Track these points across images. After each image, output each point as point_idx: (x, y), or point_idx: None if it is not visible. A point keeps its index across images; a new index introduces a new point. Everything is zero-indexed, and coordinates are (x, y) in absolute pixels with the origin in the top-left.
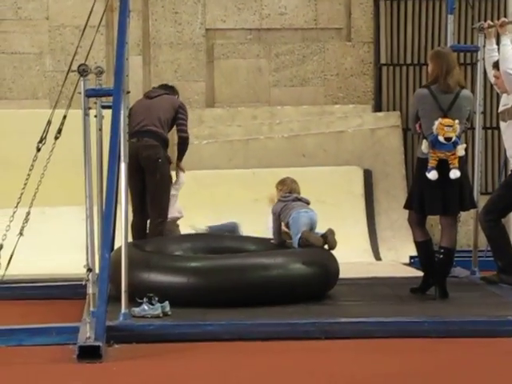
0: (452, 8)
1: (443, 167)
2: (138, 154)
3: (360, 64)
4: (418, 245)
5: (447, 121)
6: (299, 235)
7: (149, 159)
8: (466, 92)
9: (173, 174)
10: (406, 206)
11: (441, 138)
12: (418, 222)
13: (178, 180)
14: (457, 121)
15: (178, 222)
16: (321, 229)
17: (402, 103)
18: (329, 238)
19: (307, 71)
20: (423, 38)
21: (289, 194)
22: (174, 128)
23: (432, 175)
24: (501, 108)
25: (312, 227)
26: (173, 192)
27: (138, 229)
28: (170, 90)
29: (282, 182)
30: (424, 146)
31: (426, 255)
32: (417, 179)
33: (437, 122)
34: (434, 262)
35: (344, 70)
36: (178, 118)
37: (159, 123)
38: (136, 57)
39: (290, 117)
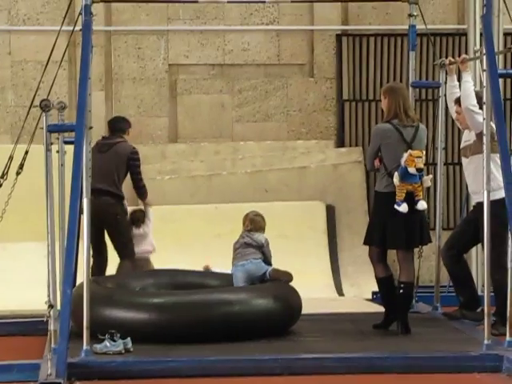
0: (414, 45)
1: (407, 200)
2: (98, 211)
3: (323, 100)
4: (378, 281)
5: (416, 152)
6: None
7: (109, 216)
8: (422, 125)
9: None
10: (365, 242)
11: (412, 170)
12: (378, 258)
13: (148, 216)
14: (424, 152)
15: (151, 256)
16: (282, 263)
17: (364, 139)
18: (280, 278)
19: (270, 107)
20: (385, 74)
21: (242, 238)
22: None
23: (403, 208)
24: (463, 144)
25: (250, 278)
26: (144, 229)
27: (97, 272)
28: (121, 127)
29: (245, 217)
30: (396, 179)
31: (387, 291)
32: (377, 213)
33: (406, 154)
34: (395, 297)
35: (307, 106)
36: (132, 171)
37: (114, 184)
38: (98, 92)
39: (253, 152)
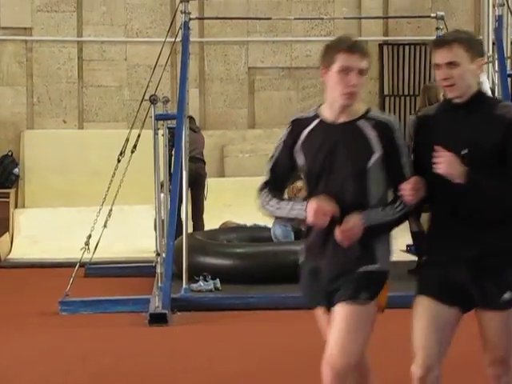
0: None
1: None
2: (193, 173)
3: (368, 95)
4: (413, 235)
5: None
6: None
7: (200, 177)
8: None
9: None
10: None
11: None
12: (413, 216)
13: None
14: None
15: None
16: None
17: (400, 124)
18: None
19: None
20: (417, 75)
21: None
22: None
23: None
24: None
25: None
26: None
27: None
28: (194, 121)
29: (288, 189)
30: None
31: (420, 243)
32: None
33: None
34: None
35: None
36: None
37: (203, 153)
38: (194, 89)
39: None
